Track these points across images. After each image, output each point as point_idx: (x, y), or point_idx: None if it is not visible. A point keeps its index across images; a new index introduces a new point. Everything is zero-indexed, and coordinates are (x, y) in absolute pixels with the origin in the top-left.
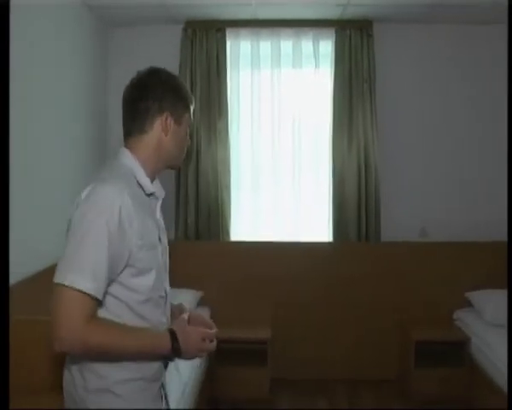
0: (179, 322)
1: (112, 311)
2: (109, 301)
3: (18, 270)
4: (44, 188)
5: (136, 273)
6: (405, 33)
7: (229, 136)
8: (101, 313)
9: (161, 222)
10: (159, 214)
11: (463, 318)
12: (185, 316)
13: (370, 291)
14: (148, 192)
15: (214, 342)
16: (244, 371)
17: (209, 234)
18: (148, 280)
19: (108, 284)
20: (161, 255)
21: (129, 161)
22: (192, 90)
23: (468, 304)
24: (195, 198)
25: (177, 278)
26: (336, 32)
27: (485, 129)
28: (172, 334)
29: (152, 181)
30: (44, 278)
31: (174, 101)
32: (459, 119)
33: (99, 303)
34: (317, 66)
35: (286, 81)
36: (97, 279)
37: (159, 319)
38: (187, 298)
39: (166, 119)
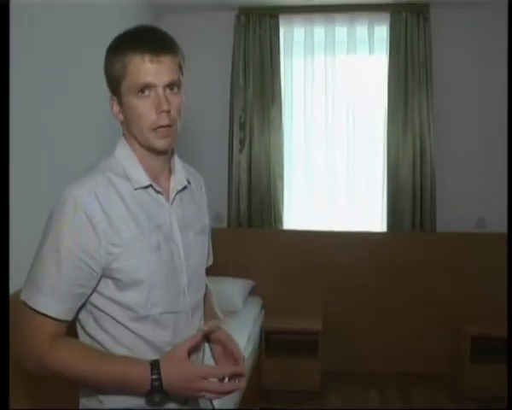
0: (172, 351)
1: (105, 328)
2: (99, 316)
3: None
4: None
5: (122, 286)
6: (463, 16)
7: (283, 123)
8: (93, 329)
9: (186, 216)
10: (172, 210)
11: None
12: (187, 343)
13: (425, 282)
14: (136, 187)
15: (231, 383)
16: (295, 362)
17: (262, 222)
18: (136, 295)
19: (88, 298)
20: (173, 258)
21: (121, 150)
22: (245, 78)
23: None
24: (248, 186)
25: (229, 267)
26: (391, 17)
27: None
28: (155, 365)
29: (150, 171)
30: None
31: (108, 75)
32: None
33: (68, 321)
34: (371, 51)
35: (340, 67)
36: (60, 299)
37: (166, 340)
38: (238, 287)
39: (112, 104)
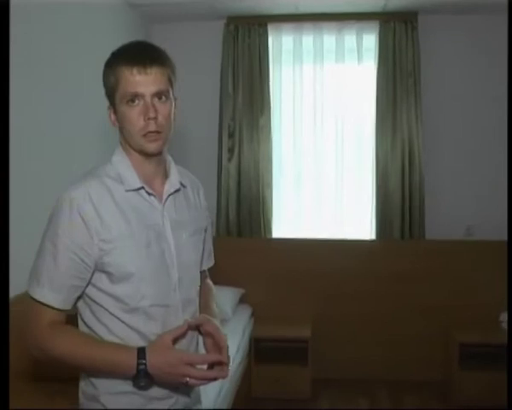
0: (157, 339)
1: (99, 318)
2: (95, 307)
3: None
4: None
5: (114, 279)
6: (451, 24)
7: (272, 132)
8: (90, 319)
9: (179, 217)
10: (165, 211)
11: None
12: (173, 333)
13: (414, 290)
14: (127, 189)
15: (213, 370)
16: (284, 370)
17: (251, 230)
18: (127, 288)
19: (84, 290)
20: (164, 255)
21: (117, 157)
22: (234, 86)
23: None
24: (237, 194)
25: (219, 276)
26: (380, 25)
27: None
28: (141, 352)
29: (144, 175)
30: None
31: (105, 87)
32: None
33: (66, 310)
34: (360, 60)
35: (328, 76)
36: (56, 289)
37: (156, 332)
38: (227, 296)
39: (109, 113)
